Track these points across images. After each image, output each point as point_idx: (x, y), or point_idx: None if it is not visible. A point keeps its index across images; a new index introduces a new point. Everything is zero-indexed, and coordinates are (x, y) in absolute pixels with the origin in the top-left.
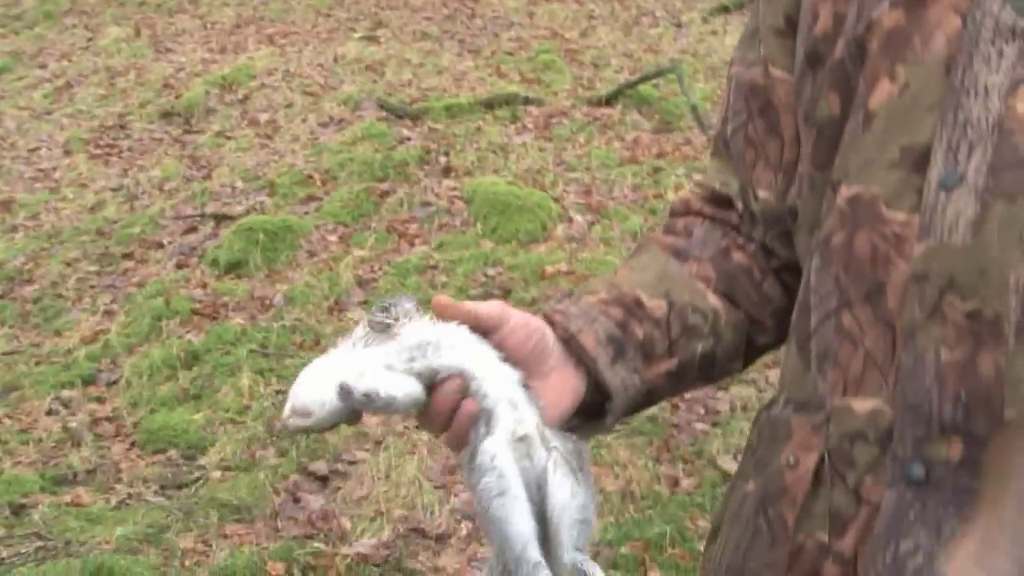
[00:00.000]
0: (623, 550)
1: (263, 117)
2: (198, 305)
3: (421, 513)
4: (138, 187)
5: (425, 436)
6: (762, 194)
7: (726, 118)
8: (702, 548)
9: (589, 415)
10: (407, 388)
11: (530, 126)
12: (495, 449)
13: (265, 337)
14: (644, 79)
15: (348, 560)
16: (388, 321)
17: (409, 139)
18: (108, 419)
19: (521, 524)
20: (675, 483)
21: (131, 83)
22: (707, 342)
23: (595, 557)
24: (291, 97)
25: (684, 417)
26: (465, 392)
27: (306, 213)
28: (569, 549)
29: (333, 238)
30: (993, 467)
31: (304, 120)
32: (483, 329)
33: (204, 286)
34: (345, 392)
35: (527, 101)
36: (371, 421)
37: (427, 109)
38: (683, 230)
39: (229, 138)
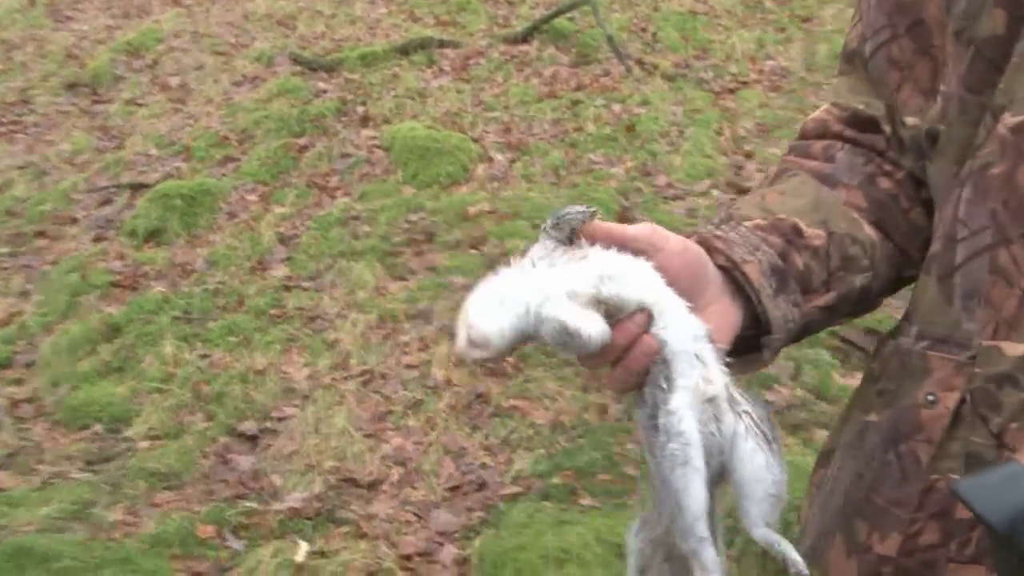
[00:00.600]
0: (555, 480)
1: (174, 81)
2: (117, 277)
3: (352, 463)
4: (47, 163)
5: (352, 386)
6: (910, 120)
7: (863, 35)
8: (630, 471)
9: (742, 349)
10: (599, 326)
11: (447, 69)
12: (683, 411)
13: (188, 303)
14: (559, 13)
15: (280, 516)
16: (573, 227)
17: (325, 91)
18: (28, 400)
19: (698, 496)
20: (603, 411)
21: (31, 55)
22: (865, 275)
23: (527, 490)
24: (201, 58)
25: None
26: (647, 329)
27: (224, 175)
28: (759, 524)
29: (253, 197)
30: None
31: (216, 81)
32: (636, 252)
33: (123, 257)
34: (536, 320)
35: (442, 44)
36: (299, 375)
37: (342, 60)
38: (822, 154)
39: (140, 105)
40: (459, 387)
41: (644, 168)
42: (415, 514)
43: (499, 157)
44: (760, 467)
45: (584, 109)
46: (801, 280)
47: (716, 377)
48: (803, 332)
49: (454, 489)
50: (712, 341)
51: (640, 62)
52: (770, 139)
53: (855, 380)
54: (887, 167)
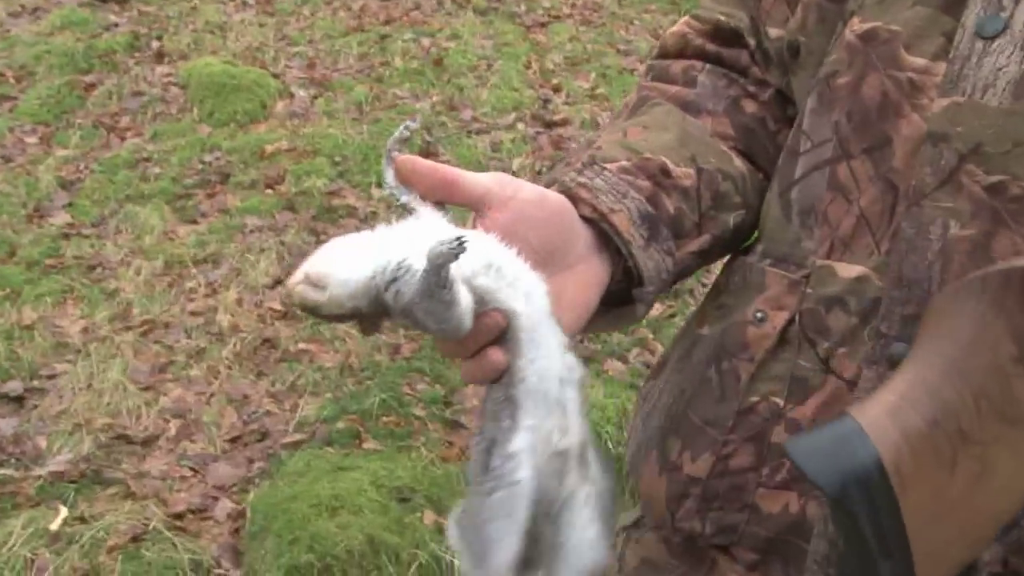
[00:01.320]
0: (339, 425)
1: None
2: None
3: (126, 419)
4: None
5: (131, 337)
6: (774, 32)
7: None
8: (418, 412)
9: (612, 303)
10: (468, 300)
11: (250, 2)
12: (522, 458)
13: None
14: None
15: (40, 481)
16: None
17: (117, 25)
18: None
19: (509, 552)
20: (396, 350)
21: None
22: (738, 213)
23: (311, 437)
24: None
25: None
26: (503, 339)
27: None
28: None
29: (32, 139)
30: (928, 325)
31: None
32: (473, 205)
33: None
34: (395, 282)
35: None
36: (73, 329)
37: None
38: (683, 76)
39: None
40: (246, 333)
41: (451, 103)
42: (192, 468)
43: (301, 93)
44: (587, 541)
45: (392, 43)
46: (673, 225)
47: (574, 428)
48: (676, 279)
49: (235, 440)
50: (580, 387)
51: None
52: (578, 72)
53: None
54: (751, 88)
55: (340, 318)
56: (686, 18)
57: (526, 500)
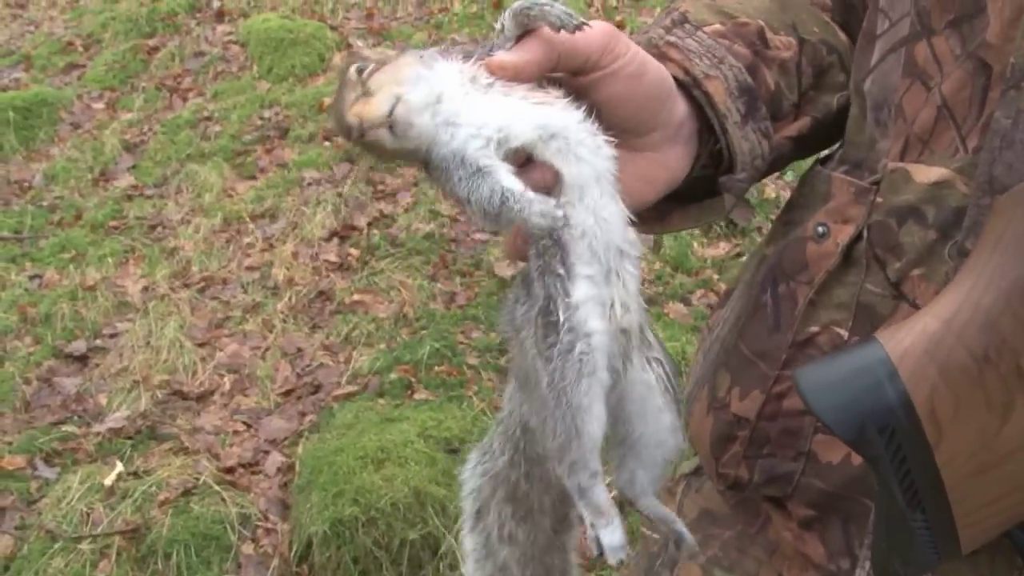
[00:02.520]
0: (392, 376)
1: None
2: None
3: (183, 375)
4: None
5: (188, 295)
6: None
7: None
8: (471, 361)
9: (693, 194)
10: (543, 205)
11: None
12: (589, 306)
13: (19, 221)
14: None
15: (99, 438)
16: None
17: None
18: None
19: (600, 420)
20: (451, 299)
21: None
22: (843, 94)
23: (364, 388)
24: None
25: (463, 229)
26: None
27: (67, 83)
28: (648, 492)
29: (99, 105)
30: (990, 233)
31: None
32: (583, 67)
33: None
34: (456, 158)
35: None
36: (134, 288)
37: None
38: None
39: None
40: (301, 286)
41: None
42: (245, 423)
43: (358, 43)
44: (664, 429)
45: None
46: (771, 103)
47: (635, 309)
48: (771, 168)
49: (288, 393)
50: (636, 261)
51: None
52: (643, 7)
53: (717, 251)
54: None
55: (396, 159)
56: None
57: (605, 357)
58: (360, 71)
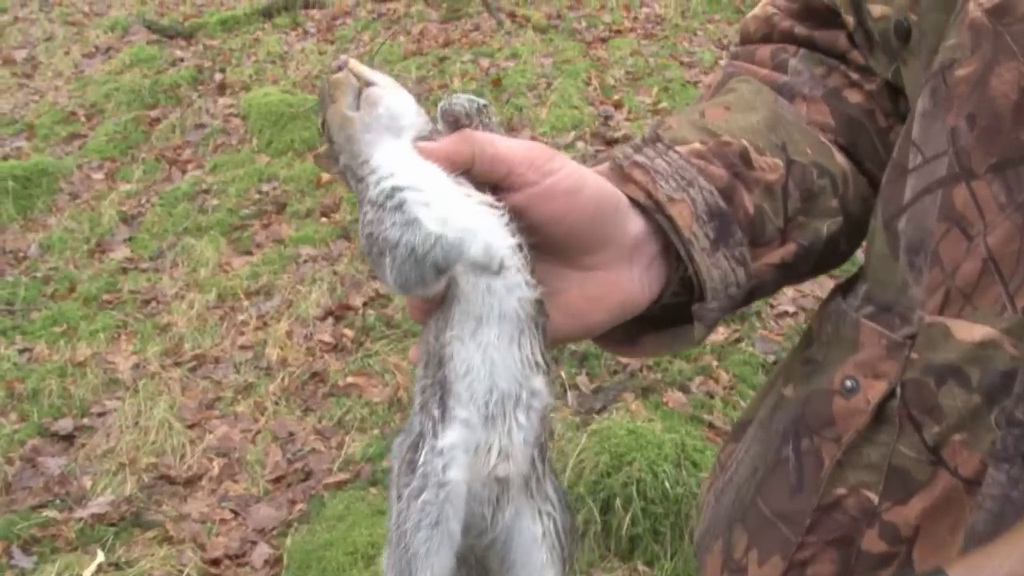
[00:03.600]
0: (385, 464)
1: (19, 55)
2: None
3: (171, 457)
4: None
5: (180, 374)
6: (878, 9)
7: None
8: None
9: (666, 320)
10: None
11: (312, 31)
12: (455, 455)
13: (12, 293)
14: None
15: (80, 524)
16: (458, 118)
17: (182, 60)
18: None
19: (436, 572)
20: None
21: None
22: (835, 220)
23: (356, 476)
24: (51, 29)
25: None
26: (441, 302)
27: (68, 153)
28: None
29: (98, 176)
30: None
31: (67, 53)
32: (507, 181)
33: None
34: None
35: (308, 5)
36: (124, 365)
37: (201, 25)
38: (771, 60)
39: None
40: (294, 367)
41: (509, 123)
42: (232, 511)
43: None
44: None
45: (451, 65)
46: (750, 228)
47: (519, 460)
48: (750, 296)
49: (278, 480)
50: (540, 418)
51: (512, 15)
52: (640, 87)
53: (716, 336)
54: (854, 75)
55: (338, 172)
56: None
57: (459, 509)
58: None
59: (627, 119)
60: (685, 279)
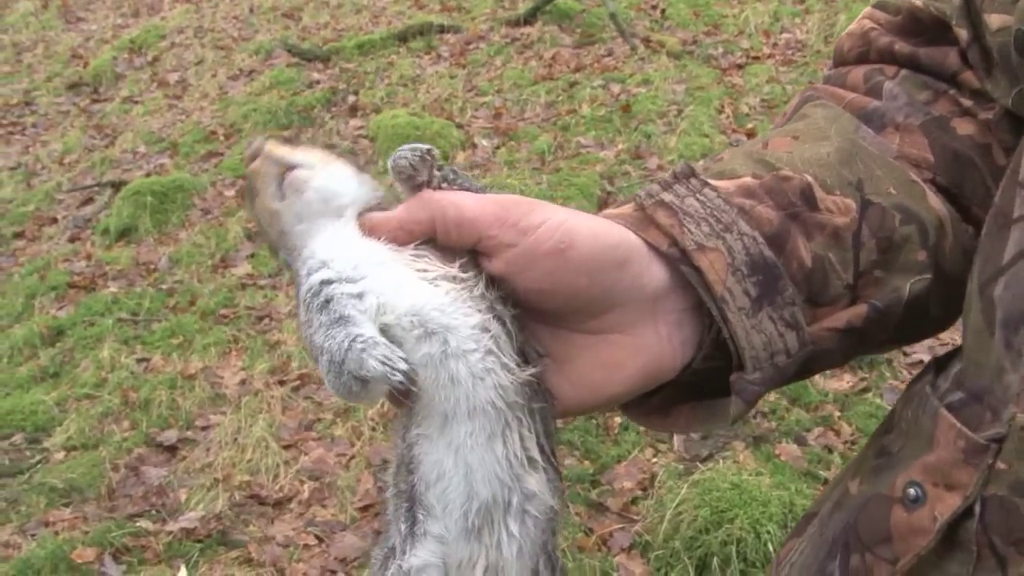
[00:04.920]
0: None
1: (173, 77)
2: (76, 278)
3: (264, 476)
4: (37, 163)
5: (282, 392)
6: (997, 20)
7: None
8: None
9: (703, 390)
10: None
11: (445, 55)
12: (428, 572)
13: (138, 303)
14: None
15: (169, 538)
16: (408, 175)
17: (318, 82)
18: None
19: None
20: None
21: (39, 57)
22: (921, 279)
23: None
24: (202, 53)
25: None
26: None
27: (205, 170)
28: None
29: (230, 193)
30: None
31: (214, 75)
32: (479, 244)
33: (89, 258)
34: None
35: (443, 29)
36: (232, 380)
37: (339, 49)
38: (864, 83)
39: (136, 103)
40: None
41: (636, 151)
42: (317, 536)
43: (484, 143)
44: None
45: (580, 90)
46: (807, 283)
47: (515, 571)
48: (807, 368)
49: (366, 508)
50: (539, 523)
51: (647, 40)
52: (775, 115)
53: (841, 384)
54: (966, 102)
55: (263, 229)
56: (868, 9)
57: None
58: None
59: None
60: (721, 341)
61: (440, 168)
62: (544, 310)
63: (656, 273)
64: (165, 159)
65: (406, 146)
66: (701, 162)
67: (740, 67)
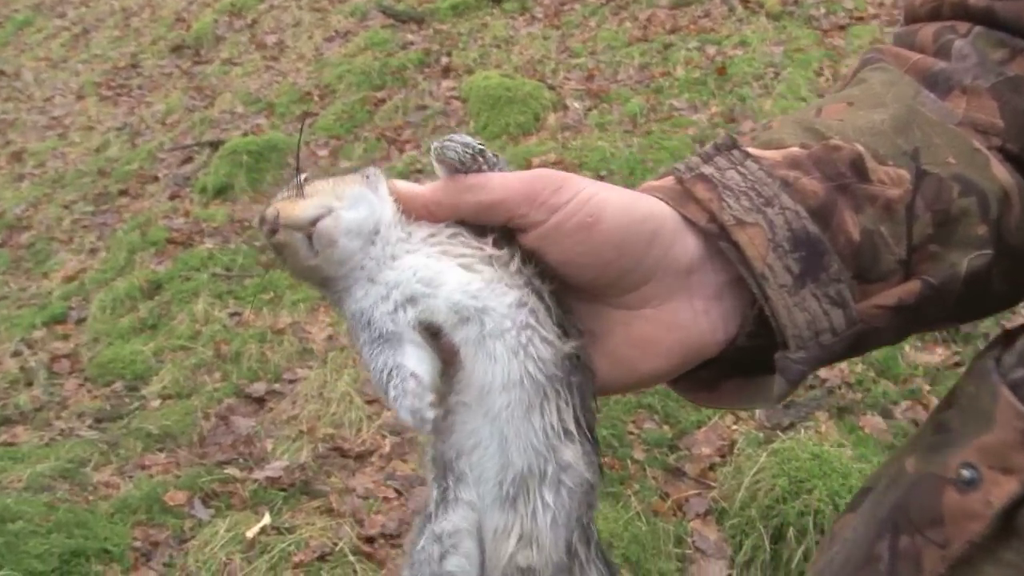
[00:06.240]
0: None
1: (270, 39)
2: (175, 234)
3: (347, 430)
4: (142, 124)
5: None
6: None
7: None
8: (638, 455)
9: (742, 368)
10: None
11: (539, 16)
12: (456, 542)
13: (231, 259)
14: None
15: (255, 485)
16: (456, 163)
17: (412, 43)
18: (67, 356)
19: None
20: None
21: (145, 21)
22: (981, 254)
23: None
24: (299, 15)
25: None
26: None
27: (299, 130)
28: None
29: (323, 152)
30: None
31: (311, 37)
32: (511, 222)
33: (187, 215)
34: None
35: None
36: (318, 336)
37: (434, 10)
38: (934, 43)
39: (236, 64)
40: None
41: (730, 114)
42: (396, 490)
43: (575, 105)
44: None
45: (675, 52)
46: (855, 259)
47: (549, 543)
48: (857, 346)
49: None
50: (574, 493)
51: (745, 1)
52: None
53: (932, 357)
54: None
55: (300, 271)
56: None
57: None
58: (304, 179)
59: None
60: (764, 318)
61: (484, 155)
62: (579, 284)
63: (690, 246)
64: (261, 119)
65: (457, 137)
66: (749, 129)
67: (842, 28)
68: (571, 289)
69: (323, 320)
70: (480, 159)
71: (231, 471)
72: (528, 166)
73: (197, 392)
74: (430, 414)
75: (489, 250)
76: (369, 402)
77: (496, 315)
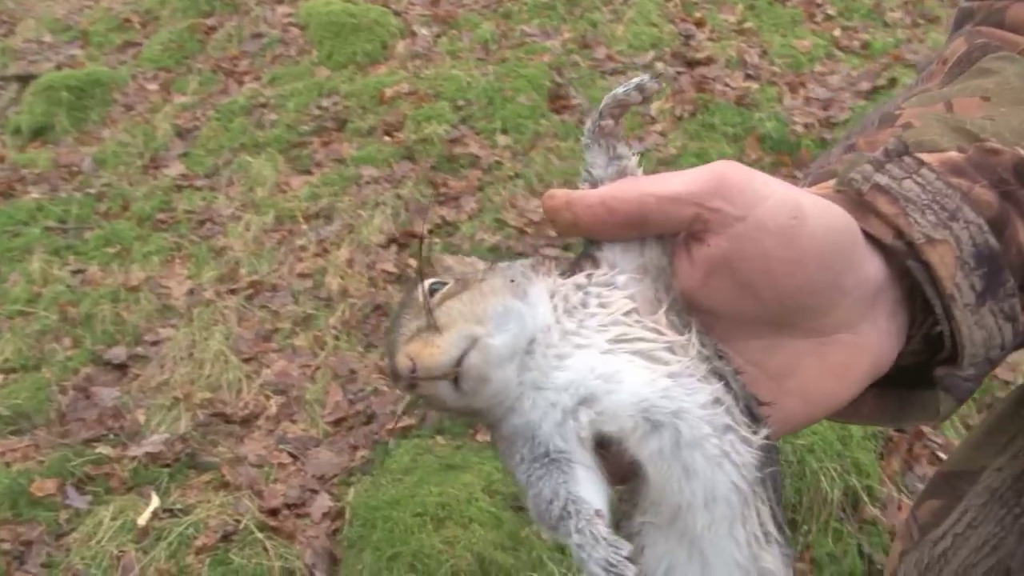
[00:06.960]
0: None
1: None
2: None
3: (226, 393)
4: None
5: (236, 302)
6: None
7: None
8: None
9: (898, 383)
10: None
11: None
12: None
13: (65, 210)
14: None
15: (134, 464)
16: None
17: None
18: None
19: None
20: None
21: None
22: None
23: (422, 421)
24: None
25: (530, 243)
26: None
27: (123, 62)
28: None
29: (153, 87)
30: None
31: None
32: (690, 225)
33: (2, 159)
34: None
35: None
36: (179, 290)
37: None
38: None
39: None
40: (355, 298)
41: (583, 40)
42: (291, 454)
43: (423, 32)
44: None
45: None
46: (1022, 269)
47: None
48: (1000, 360)
49: (339, 422)
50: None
51: None
52: (723, 4)
53: None
54: None
55: (450, 411)
56: None
57: None
58: (432, 291)
59: (709, 39)
60: (931, 336)
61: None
62: (765, 311)
63: (873, 264)
64: (76, 49)
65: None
66: (872, 114)
67: None
68: (747, 326)
69: (180, 272)
70: (638, 91)
71: (102, 450)
72: (381, 98)
73: (46, 362)
74: (631, 571)
75: (671, 335)
76: (246, 360)
77: (691, 418)
